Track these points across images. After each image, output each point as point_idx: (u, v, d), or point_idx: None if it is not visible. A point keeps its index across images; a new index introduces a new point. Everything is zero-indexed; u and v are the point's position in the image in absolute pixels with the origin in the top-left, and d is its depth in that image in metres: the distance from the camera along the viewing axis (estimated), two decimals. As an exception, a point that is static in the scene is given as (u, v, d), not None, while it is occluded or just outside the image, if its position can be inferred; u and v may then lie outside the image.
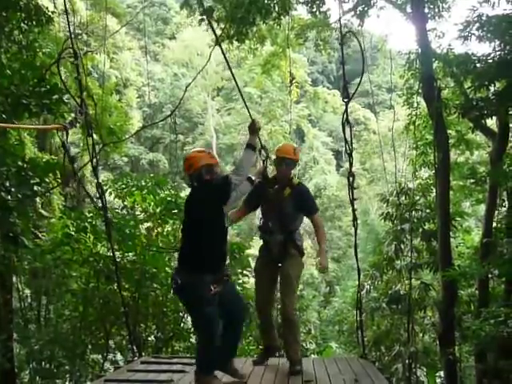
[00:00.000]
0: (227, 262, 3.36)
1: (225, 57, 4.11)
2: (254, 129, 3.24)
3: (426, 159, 8.81)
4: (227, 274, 3.23)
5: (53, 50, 5.83)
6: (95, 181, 3.66)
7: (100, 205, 3.65)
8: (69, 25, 3.44)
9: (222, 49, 4.06)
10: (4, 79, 4.14)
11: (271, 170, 3.81)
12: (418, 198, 8.68)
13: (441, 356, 7.38)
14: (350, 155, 3.77)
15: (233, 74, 4.11)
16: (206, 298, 2.99)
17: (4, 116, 3.89)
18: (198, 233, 3.06)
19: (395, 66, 10.66)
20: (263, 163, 3.66)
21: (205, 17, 5.89)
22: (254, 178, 3.31)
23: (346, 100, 3.64)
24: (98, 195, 3.55)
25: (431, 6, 7.87)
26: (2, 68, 4.24)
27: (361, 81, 3.43)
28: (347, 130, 3.60)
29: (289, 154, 3.62)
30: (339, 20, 4.43)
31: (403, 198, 8.68)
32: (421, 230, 8.45)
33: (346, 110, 3.60)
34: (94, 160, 3.53)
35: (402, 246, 8.62)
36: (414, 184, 8.79)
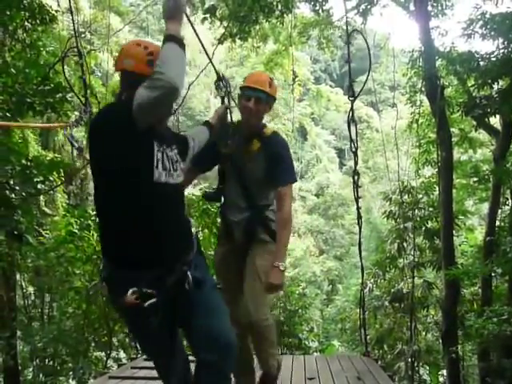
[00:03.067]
0: (190, 244, 1.91)
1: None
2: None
3: (429, 157, 8.81)
4: (187, 262, 1.82)
5: (56, 48, 5.85)
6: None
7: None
8: (73, 24, 3.45)
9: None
10: (8, 78, 4.16)
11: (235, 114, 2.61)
12: (420, 196, 8.67)
13: (444, 354, 7.37)
14: (355, 153, 3.75)
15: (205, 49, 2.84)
16: (132, 314, 1.80)
17: (8, 114, 3.91)
18: (111, 196, 1.76)
19: (398, 64, 10.67)
20: (222, 101, 2.50)
21: (208, 15, 5.89)
22: (211, 120, 2.36)
23: (351, 98, 3.62)
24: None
25: (434, 4, 7.85)
26: (7, 67, 4.25)
27: (367, 79, 3.42)
28: (352, 128, 3.58)
29: (261, 85, 2.43)
30: (345, 18, 4.38)
31: (406, 196, 8.68)
32: (424, 228, 8.45)
33: (352, 109, 3.58)
34: None
35: (405, 245, 8.62)
36: (416, 182, 8.78)
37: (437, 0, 7.90)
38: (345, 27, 9.12)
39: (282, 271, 2.33)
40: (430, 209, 8.48)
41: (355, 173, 3.71)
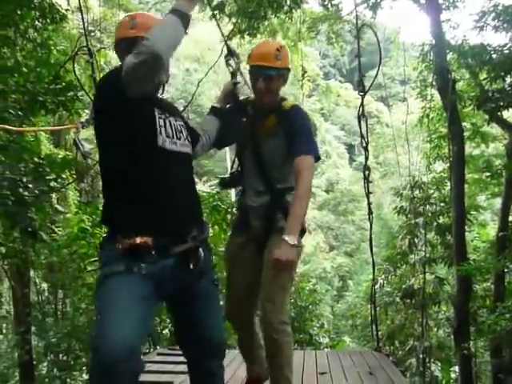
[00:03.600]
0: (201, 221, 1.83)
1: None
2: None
3: (441, 152, 8.73)
4: (203, 239, 1.76)
5: (67, 47, 5.89)
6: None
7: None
8: (83, 22, 3.47)
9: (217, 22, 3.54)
10: (20, 77, 4.20)
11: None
12: (432, 191, 8.61)
13: (456, 351, 7.33)
14: (366, 149, 3.72)
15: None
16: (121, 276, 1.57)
17: (21, 113, 3.96)
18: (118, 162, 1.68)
19: (409, 58, 10.55)
20: (232, 77, 2.27)
21: (216, 12, 5.89)
22: (216, 104, 2.21)
23: (361, 93, 3.60)
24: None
25: (446, -3, 7.74)
26: (19, 66, 4.30)
27: (377, 73, 3.39)
28: (363, 123, 3.56)
29: (267, 60, 2.16)
30: (355, 12, 4.33)
31: (417, 191, 8.62)
32: (435, 224, 8.39)
33: (362, 104, 3.56)
34: None
35: (416, 240, 8.58)
36: (427, 177, 8.71)
37: (448, -8, 7.79)
38: (354, 21, 9.08)
39: (292, 246, 1.94)
40: (442, 204, 8.42)
41: (366, 168, 3.69)
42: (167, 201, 1.66)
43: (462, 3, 7.85)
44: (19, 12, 4.74)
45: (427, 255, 8.26)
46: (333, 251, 24.99)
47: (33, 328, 7.09)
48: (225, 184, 2.47)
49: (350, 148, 32.89)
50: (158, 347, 4.90)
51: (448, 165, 7.85)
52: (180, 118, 1.83)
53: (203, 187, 9.66)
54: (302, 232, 2.23)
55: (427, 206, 8.43)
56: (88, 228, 6.00)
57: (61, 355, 6.78)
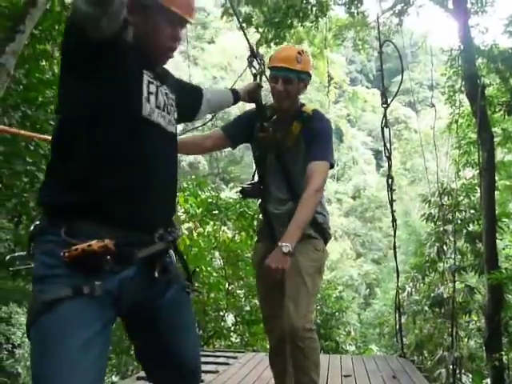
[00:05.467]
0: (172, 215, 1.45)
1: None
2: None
3: (470, 158, 8.59)
4: (172, 240, 1.38)
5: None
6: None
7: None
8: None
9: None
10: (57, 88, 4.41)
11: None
12: (461, 198, 8.45)
13: (487, 362, 7.15)
14: (389, 158, 3.79)
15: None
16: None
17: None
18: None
19: (437, 63, 10.45)
20: (255, 79, 2.17)
21: (244, 24, 6.05)
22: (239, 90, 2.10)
23: (384, 106, 3.66)
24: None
25: (474, 1, 7.67)
26: (56, 78, 4.52)
27: (399, 88, 3.42)
28: (386, 134, 3.62)
29: (288, 62, 2.10)
30: (377, 28, 4.37)
31: (446, 198, 8.48)
32: (465, 231, 8.23)
33: (385, 116, 3.61)
34: None
35: (445, 248, 8.42)
36: (457, 184, 8.57)
37: (476, -3, 7.72)
38: (381, 28, 9.07)
39: (285, 254, 1.85)
40: (472, 211, 8.25)
41: (389, 177, 3.74)
42: (139, 183, 1.26)
43: (491, 7, 7.77)
44: (57, 27, 5.00)
45: (457, 263, 8.10)
46: (360, 258, 24.73)
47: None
48: (248, 193, 2.36)
49: (377, 154, 32.53)
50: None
51: (478, 171, 7.71)
52: (173, 90, 1.48)
53: (230, 193, 9.78)
54: (326, 239, 2.25)
55: (456, 213, 8.28)
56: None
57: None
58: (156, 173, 1.32)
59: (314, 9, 7.70)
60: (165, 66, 1.54)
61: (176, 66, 28.17)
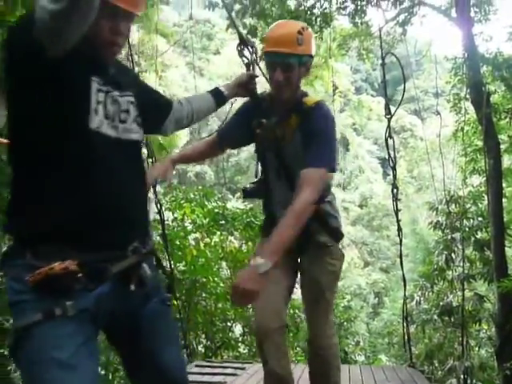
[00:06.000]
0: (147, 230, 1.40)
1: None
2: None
3: (477, 166, 8.56)
4: (147, 252, 1.34)
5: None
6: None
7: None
8: (130, 49, 3.69)
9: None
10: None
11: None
12: (468, 206, 8.42)
13: (498, 372, 7.06)
14: (394, 168, 3.81)
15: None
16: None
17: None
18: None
19: (442, 71, 10.46)
20: (247, 68, 1.95)
21: (249, 35, 6.13)
22: (222, 89, 1.85)
23: (388, 116, 3.69)
24: (156, 210, 3.77)
25: (477, 10, 7.72)
26: None
27: (401, 100, 3.44)
28: (390, 145, 3.64)
29: (286, 45, 1.80)
30: (380, 39, 4.41)
31: (453, 206, 8.45)
32: (473, 239, 8.18)
33: (389, 126, 3.63)
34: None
35: (454, 256, 8.37)
36: (464, 192, 8.54)
37: (479, 5, 7.76)
38: (384, 37, 9.13)
39: (259, 273, 1.55)
40: (480, 219, 8.20)
41: (394, 186, 3.76)
42: (102, 201, 1.21)
43: (494, 15, 7.80)
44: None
45: (465, 271, 8.04)
46: (368, 267, 24.57)
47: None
48: (250, 194, 2.13)
49: (384, 162, 32.45)
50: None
51: (485, 178, 7.69)
52: (130, 90, 1.34)
53: (236, 203, 9.81)
54: (339, 239, 2.12)
55: (464, 221, 8.24)
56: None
57: (99, 369, 6.96)
58: (117, 187, 1.25)
59: (318, 19, 7.77)
60: (125, 66, 1.43)
61: (182, 77, 28.48)
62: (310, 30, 1.91)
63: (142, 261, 1.30)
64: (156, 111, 1.60)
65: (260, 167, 2.08)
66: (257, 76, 1.94)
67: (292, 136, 1.91)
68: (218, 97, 1.83)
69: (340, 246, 2.14)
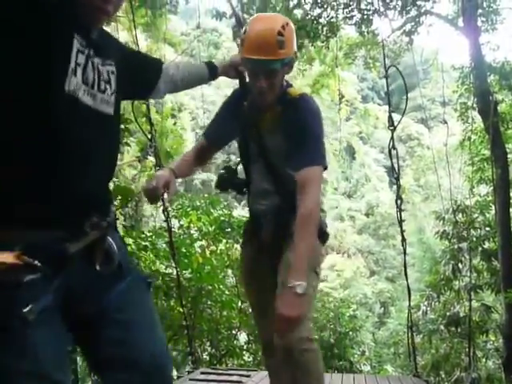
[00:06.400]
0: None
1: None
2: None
3: (484, 175, 8.53)
4: (108, 224, 1.17)
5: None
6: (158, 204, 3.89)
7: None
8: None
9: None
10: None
11: None
12: (476, 215, 8.37)
13: (506, 383, 6.97)
14: (398, 179, 3.82)
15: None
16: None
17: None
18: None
19: (449, 80, 10.47)
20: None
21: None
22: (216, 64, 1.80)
23: (391, 128, 3.71)
24: (164, 218, 3.78)
25: (484, 19, 7.73)
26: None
27: (404, 111, 3.47)
28: (394, 156, 3.66)
29: (268, 52, 1.66)
30: (383, 52, 4.43)
31: (460, 215, 8.40)
32: (480, 249, 8.12)
33: (393, 138, 3.64)
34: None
35: (460, 266, 8.31)
36: (471, 201, 8.50)
37: (487, 15, 7.77)
38: (391, 46, 9.17)
39: (300, 295, 1.49)
40: (487, 228, 8.16)
41: (398, 197, 3.77)
42: (61, 174, 1.05)
43: (501, 25, 7.81)
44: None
45: (473, 281, 7.97)
46: (373, 276, 24.43)
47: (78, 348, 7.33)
48: (222, 185, 1.99)
49: (390, 171, 32.41)
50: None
51: (492, 188, 7.65)
52: (112, 60, 1.22)
53: (242, 211, 9.82)
54: (323, 239, 1.89)
55: (471, 231, 8.19)
56: (134, 252, 6.25)
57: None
58: (82, 162, 1.08)
59: (325, 29, 7.82)
60: (109, 34, 1.31)
61: (189, 85, 28.76)
62: (290, 24, 1.73)
63: (105, 235, 1.16)
64: (146, 72, 1.50)
65: (242, 158, 1.96)
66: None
67: (273, 125, 1.80)
68: (212, 70, 1.76)
69: (322, 246, 1.90)
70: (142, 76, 1.45)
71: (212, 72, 1.76)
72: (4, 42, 0.98)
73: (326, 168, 1.73)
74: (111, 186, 1.30)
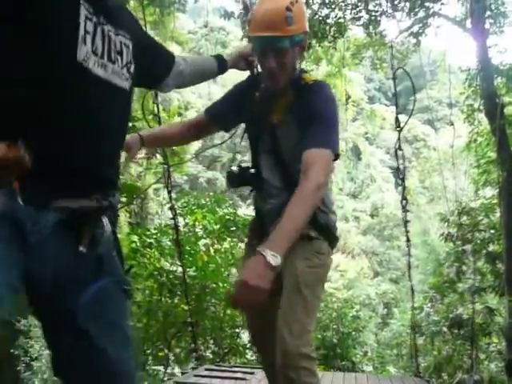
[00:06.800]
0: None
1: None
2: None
3: (489, 178, 8.51)
4: (109, 206, 1.09)
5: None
6: (158, 199, 3.96)
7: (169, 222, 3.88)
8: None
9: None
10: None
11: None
12: (480, 218, 8.36)
13: (508, 386, 6.97)
14: (403, 180, 3.85)
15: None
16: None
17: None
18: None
19: (456, 81, 10.45)
20: (249, 41, 1.80)
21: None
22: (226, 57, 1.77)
23: (398, 129, 3.73)
24: (170, 216, 3.83)
25: (492, 22, 7.71)
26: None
27: (411, 113, 3.48)
28: (400, 157, 3.70)
29: (276, 29, 1.58)
30: (391, 54, 4.46)
31: (465, 217, 8.40)
32: (484, 251, 8.11)
33: (399, 139, 3.67)
34: (169, 186, 3.83)
35: (464, 268, 8.31)
36: (476, 203, 8.49)
37: (494, 17, 7.76)
38: (399, 47, 9.16)
39: (270, 267, 1.30)
40: (492, 231, 8.14)
41: (403, 198, 3.80)
42: (71, 147, 1.01)
43: (509, 27, 7.79)
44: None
45: (476, 284, 7.97)
46: (377, 277, 24.39)
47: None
48: (232, 181, 1.86)
49: (396, 172, 32.34)
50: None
51: (497, 191, 7.64)
52: (126, 32, 1.14)
53: (247, 210, 9.86)
54: (331, 242, 1.79)
55: (476, 233, 8.18)
56: (139, 249, 6.30)
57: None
58: (92, 133, 1.04)
59: (333, 29, 7.83)
60: (125, 5, 1.21)
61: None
62: (300, 1, 1.64)
63: (102, 214, 1.07)
64: (158, 64, 1.43)
65: (252, 152, 1.84)
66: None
67: (285, 115, 1.69)
68: (221, 63, 1.72)
69: (331, 250, 1.79)
70: (153, 64, 1.37)
71: (221, 65, 1.72)
72: (9, 15, 0.94)
73: (337, 156, 1.58)
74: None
